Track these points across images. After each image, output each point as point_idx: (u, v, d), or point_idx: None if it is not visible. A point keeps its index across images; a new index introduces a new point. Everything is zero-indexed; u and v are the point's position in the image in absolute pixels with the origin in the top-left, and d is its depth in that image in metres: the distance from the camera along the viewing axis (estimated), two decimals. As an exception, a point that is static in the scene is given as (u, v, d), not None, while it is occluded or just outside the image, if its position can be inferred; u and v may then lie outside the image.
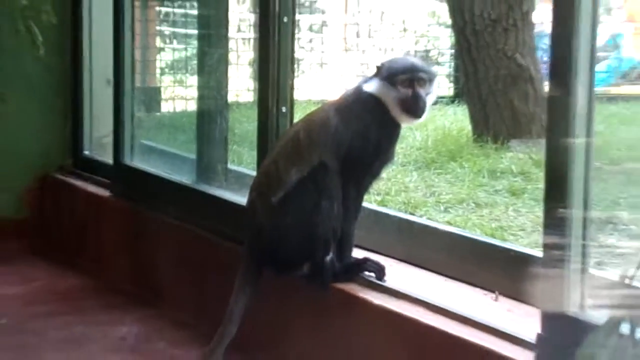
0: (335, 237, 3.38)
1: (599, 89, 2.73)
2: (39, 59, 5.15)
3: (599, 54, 2.97)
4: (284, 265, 3.46)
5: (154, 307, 4.31)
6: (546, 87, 6.50)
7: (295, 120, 3.77)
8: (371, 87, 3.37)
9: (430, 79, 3.35)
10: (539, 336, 2.73)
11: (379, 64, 3.39)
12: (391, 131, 3.40)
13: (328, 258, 3.38)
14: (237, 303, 3.44)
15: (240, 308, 3.44)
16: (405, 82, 3.31)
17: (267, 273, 3.50)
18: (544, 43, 6.96)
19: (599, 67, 2.79)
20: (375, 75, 3.38)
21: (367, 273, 3.41)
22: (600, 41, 2.76)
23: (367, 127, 3.37)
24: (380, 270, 3.39)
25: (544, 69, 6.81)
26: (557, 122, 2.69)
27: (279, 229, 3.38)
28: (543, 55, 6.91)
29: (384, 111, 3.35)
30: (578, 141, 2.65)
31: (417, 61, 3.39)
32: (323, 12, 10.68)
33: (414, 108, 3.33)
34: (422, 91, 3.32)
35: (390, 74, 3.33)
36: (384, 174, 3.57)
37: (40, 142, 5.40)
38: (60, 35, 5.36)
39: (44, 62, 5.26)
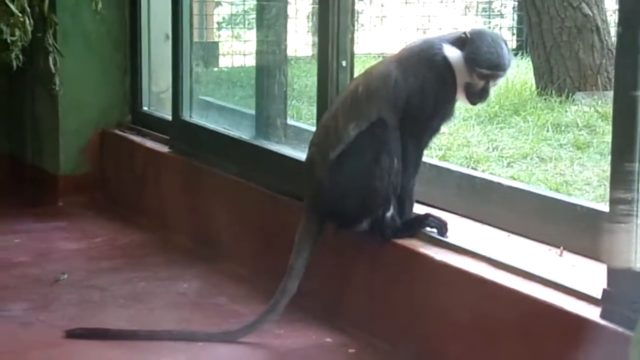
0: (395, 193, 3.35)
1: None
2: (97, 13, 5.13)
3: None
4: (344, 220, 3.44)
5: (214, 263, 4.32)
6: (613, 37, 6.44)
7: (355, 74, 3.72)
8: (451, 53, 3.29)
9: (505, 75, 3.33)
10: (605, 291, 2.69)
11: (467, 35, 3.28)
12: (451, 94, 3.34)
13: (389, 214, 3.35)
14: (298, 258, 3.44)
15: (302, 263, 3.44)
16: (483, 76, 3.27)
17: (328, 228, 3.48)
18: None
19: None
20: (459, 45, 3.28)
21: (428, 229, 3.37)
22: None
23: (428, 83, 3.32)
24: (442, 226, 3.35)
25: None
26: (625, 74, 2.63)
27: (337, 184, 3.36)
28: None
29: (452, 77, 3.30)
30: (647, 93, 2.58)
31: (503, 52, 3.28)
32: (383, -36, 10.56)
33: (476, 100, 3.33)
34: (492, 85, 3.30)
35: (473, 60, 3.25)
36: (444, 129, 3.52)
37: (99, 98, 5.41)
38: (119, -11, 5.35)
39: (102, 17, 5.25)
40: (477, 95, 3.30)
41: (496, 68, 3.27)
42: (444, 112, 3.37)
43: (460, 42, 3.29)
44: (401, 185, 3.36)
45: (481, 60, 3.25)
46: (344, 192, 3.36)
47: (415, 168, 3.40)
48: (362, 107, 3.35)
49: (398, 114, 3.33)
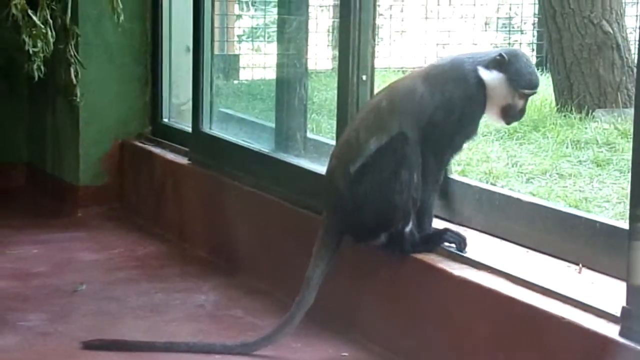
0: (414, 207, 3.35)
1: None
2: (119, 25, 5.16)
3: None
4: (362, 234, 3.44)
5: (231, 275, 4.32)
6: (634, 55, 6.42)
7: (376, 88, 3.72)
8: (489, 75, 3.30)
9: None
10: (625, 309, 2.68)
11: (504, 57, 3.28)
12: (479, 114, 3.35)
13: (407, 228, 3.34)
14: (316, 271, 3.44)
15: (319, 276, 3.44)
16: (524, 96, 3.31)
17: (346, 241, 3.47)
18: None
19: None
20: (497, 67, 3.29)
21: (447, 244, 3.36)
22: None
23: (455, 101, 3.33)
24: (461, 241, 3.34)
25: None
26: (646, 90, 2.61)
27: (357, 198, 3.36)
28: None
29: (483, 98, 3.31)
30: (668, 110, 2.57)
31: (536, 70, 3.35)
32: (404, -21, 10.56)
33: (514, 120, 3.37)
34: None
35: (518, 82, 3.28)
36: (465, 146, 3.53)
37: (119, 109, 5.42)
38: (141, 2, 5.36)
39: (124, 28, 5.26)
40: (516, 115, 3.34)
41: (537, 87, 3.33)
42: (467, 130, 3.38)
43: (497, 64, 3.29)
44: (421, 200, 3.35)
45: (525, 82, 3.28)
46: (363, 206, 3.36)
47: (435, 183, 3.40)
48: (385, 121, 3.35)
49: (420, 129, 3.33)
